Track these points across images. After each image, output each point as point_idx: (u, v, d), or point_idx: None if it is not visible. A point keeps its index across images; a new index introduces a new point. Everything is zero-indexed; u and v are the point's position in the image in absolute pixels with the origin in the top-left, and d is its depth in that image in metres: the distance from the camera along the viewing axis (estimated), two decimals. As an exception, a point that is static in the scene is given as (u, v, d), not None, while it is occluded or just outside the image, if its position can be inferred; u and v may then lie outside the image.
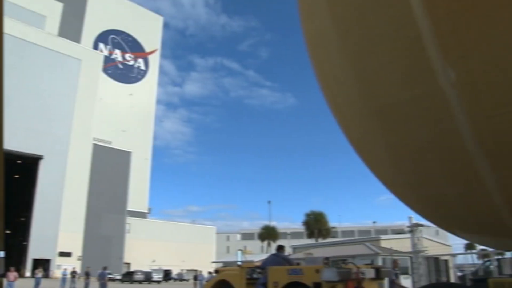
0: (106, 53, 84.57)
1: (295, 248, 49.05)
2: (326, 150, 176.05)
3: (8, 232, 69.58)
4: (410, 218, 22.64)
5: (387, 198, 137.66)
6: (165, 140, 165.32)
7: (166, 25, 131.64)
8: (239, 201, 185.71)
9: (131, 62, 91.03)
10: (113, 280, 47.06)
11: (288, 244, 68.55)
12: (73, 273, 32.72)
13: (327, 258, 7.17)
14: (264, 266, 8.19)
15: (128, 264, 69.13)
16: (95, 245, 62.00)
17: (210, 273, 34.76)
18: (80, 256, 59.39)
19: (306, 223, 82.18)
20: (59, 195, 59.86)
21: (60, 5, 78.13)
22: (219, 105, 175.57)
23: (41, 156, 59.56)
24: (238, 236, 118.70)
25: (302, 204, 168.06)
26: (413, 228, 22.53)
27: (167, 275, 60.92)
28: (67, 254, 58.52)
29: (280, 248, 9.01)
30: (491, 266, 19.48)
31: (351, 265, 7.20)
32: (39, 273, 31.31)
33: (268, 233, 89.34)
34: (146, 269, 59.42)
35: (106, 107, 78.02)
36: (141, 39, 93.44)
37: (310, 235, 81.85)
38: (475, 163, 3.38)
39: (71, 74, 65.47)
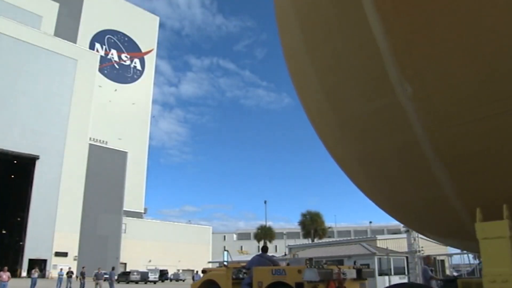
0: (102, 53, 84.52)
1: (291, 248, 49.12)
2: (322, 150, 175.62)
3: (4, 232, 69.66)
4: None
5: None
6: (161, 141, 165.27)
7: (162, 26, 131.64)
8: (235, 201, 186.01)
9: (127, 62, 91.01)
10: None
11: (284, 244, 68.80)
12: (69, 273, 32.77)
13: (310, 259, 7.39)
14: (249, 266, 8.45)
15: (124, 264, 69.19)
16: (91, 245, 62.04)
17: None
18: (76, 256, 59.46)
19: (302, 223, 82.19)
20: (55, 195, 59.88)
21: (56, 5, 78.05)
22: (215, 105, 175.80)
23: (37, 156, 59.56)
24: (234, 236, 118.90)
25: (298, 204, 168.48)
26: (409, 228, 22.72)
27: (163, 275, 60.94)
28: (63, 254, 58.55)
29: (265, 249, 9.25)
30: None
31: (333, 266, 7.46)
32: (36, 273, 31.35)
33: (264, 233, 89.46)
34: (142, 269, 59.53)
35: (102, 107, 77.98)
36: (137, 39, 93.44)
37: (306, 235, 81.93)
38: (434, 171, 3.61)
39: (67, 74, 65.47)
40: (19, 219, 62.54)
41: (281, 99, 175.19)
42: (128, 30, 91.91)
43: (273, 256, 11.75)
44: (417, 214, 4.47)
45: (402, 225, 26.22)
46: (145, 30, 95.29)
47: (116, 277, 53.07)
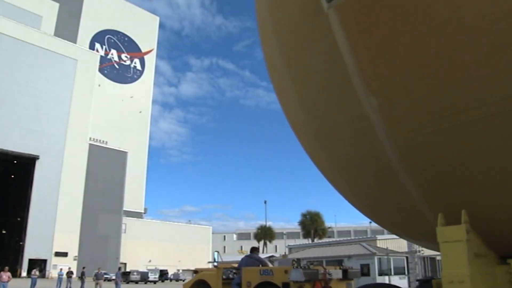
0: (102, 53, 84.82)
1: (291, 248, 49.28)
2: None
3: (4, 232, 69.95)
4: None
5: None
6: (161, 141, 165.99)
7: (161, 26, 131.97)
8: (235, 201, 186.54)
9: (127, 62, 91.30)
10: (109, 280, 47.39)
11: (284, 244, 69.01)
12: (69, 273, 32.99)
13: (297, 260, 7.62)
14: (239, 267, 8.70)
15: (124, 264, 69.42)
16: (91, 245, 62.33)
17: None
18: (76, 256, 59.75)
19: (302, 223, 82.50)
20: (55, 195, 60.18)
21: (56, 5, 78.36)
22: (215, 106, 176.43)
23: (37, 156, 59.88)
24: (234, 236, 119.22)
25: (298, 204, 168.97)
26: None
27: (163, 275, 61.19)
28: (63, 254, 58.87)
29: (254, 249, 9.50)
30: None
31: (319, 266, 7.70)
32: (35, 273, 31.55)
33: (264, 233, 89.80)
34: (142, 269, 59.78)
35: (102, 107, 78.23)
36: (137, 39, 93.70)
37: (306, 235, 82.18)
38: (401, 178, 3.83)
39: (67, 74, 65.76)
40: (19, 219, 62.83)
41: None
42: (128, 30, 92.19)
43: (272, 255, 12.00)
44: (393, 219, 4.70)
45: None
46: (145, 30, 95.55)
47: (114, 277, 53.65)
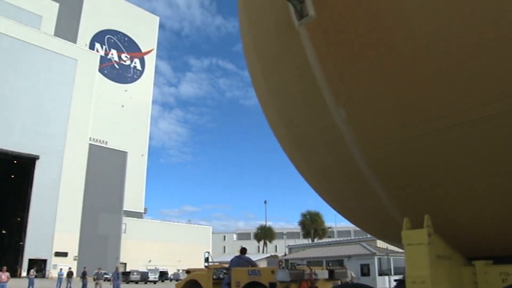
0: (102, 53, 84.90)
1: (291, 248, 49.31)
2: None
3: (4, 232, 70.17)
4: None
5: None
6: (161, 141, 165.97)
7: (161, 26, 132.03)
8: (235, 201, 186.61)
9: (127, 62, 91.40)
10: (108, 280, 47.54)
11: (284, 244, 69.07)
12: (69, 273, 33.02)
13: (285, 260, 7.83)
14: (229, 267, 8.94)
15: (124, 264, 69.53)
16: (91, 245, 62.40)
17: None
18: (76, 256, 59.86)
19: (302, 223, 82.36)
20: (55, 195, 60.28)
21: (56, 5, 78.43)
22: (215, 106, 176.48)
23: (37, 156, 60.00)
24: (234, 236, 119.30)
25: (298, 204, 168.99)
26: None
27: (163, 275, 61.28)
28: (63, 254, 58.94)
29: (243, 250, 9.72)
30: None
31: (305, 266, 7.93)
32: (33, 273, 31.62)
33: (264, 233, 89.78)
34: (142, 269, 59.83)
35: (102, 107, 78.38)
36: (137, 39, 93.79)
37: (306, 235, 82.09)
38: (371, 184, 4.05)
39: (67, 74, 65.84)
40: (19, 219, 62.96)
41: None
42: (128, 30, 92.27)
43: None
44: (366, 221, 4.93)
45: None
46: (145, 30, 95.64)
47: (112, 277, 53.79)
